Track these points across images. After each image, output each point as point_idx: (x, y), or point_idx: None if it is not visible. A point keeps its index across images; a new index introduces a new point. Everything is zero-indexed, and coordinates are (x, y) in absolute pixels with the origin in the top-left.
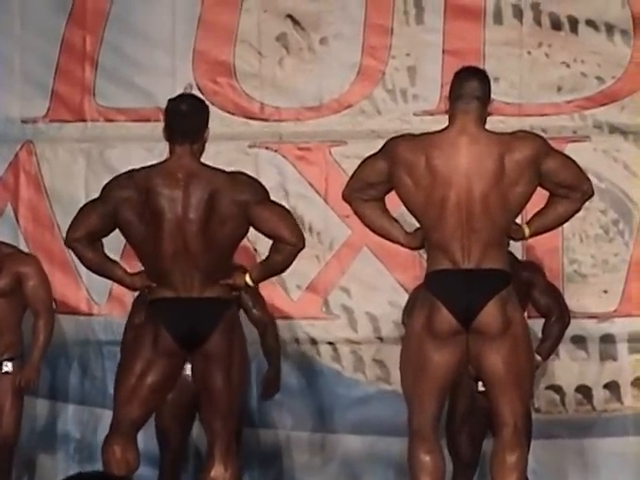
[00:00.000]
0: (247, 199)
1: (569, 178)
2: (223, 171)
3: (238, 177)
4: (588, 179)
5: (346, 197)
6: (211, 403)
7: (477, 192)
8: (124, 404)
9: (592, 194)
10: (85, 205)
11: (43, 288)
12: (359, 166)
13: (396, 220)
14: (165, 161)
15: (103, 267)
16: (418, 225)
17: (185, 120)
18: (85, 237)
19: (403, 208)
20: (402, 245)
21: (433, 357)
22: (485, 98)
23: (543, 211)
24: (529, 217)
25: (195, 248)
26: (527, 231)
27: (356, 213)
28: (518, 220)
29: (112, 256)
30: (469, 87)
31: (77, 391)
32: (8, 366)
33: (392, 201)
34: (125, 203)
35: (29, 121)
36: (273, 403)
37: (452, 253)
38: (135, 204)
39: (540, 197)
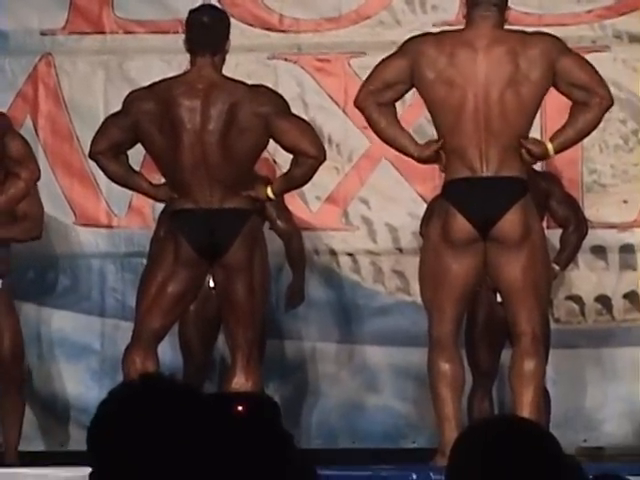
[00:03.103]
0: (268, 111)
1: (584, 78)
2: (244, 83)
3: (259, 89)
4: (605, 84)
5: (360, 102)
6: (232, 314)
7: (494, 96)
8: (145, 315)
9: (611, 102)
10: (107, 118)
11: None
12: (376, 67)
13: (406, 131)
14: (186, 72)
15: (127, 179)
16: (436, 137)
17: (206, 31)
18: (108, 149)
19: (421, 119)
20: (411, 156)
21: (451, 266)
22: (502, 5)
23: (564, 126)
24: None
25: (214, 159)
26: (550, 147)
27: (368, 120)
28: (539, 138)
29: (132, 165)
30: None
31: (97, 303)
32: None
33: (410, 114)
34: (145, 114)
35: (48, 33)
36: (292, 313)
37: (470, 160)
38: (155, 115)
39: (562, 114)
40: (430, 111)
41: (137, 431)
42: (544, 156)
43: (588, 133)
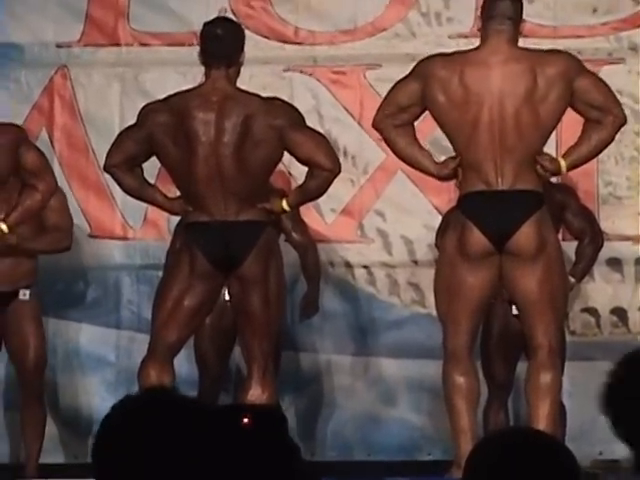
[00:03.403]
0: (282, 124)
1: (600, 98)
2: (258, 95)
3: (274, 102)
4: (619, 104)
5: (377, 124)
6: (248, 326)
7: (509, 111)
8: (161, 328)
9: (624, 121)
10: (122, 131)
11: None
12: (390, 91)
13: (425, 149)
14: (201, 85)
15: (142, 192)
16: (452, 150)
17: (221, 44)
18: (123, 163)
19: (437, 132)
20: (432, 175)
21: (467, 279)
22: (517, 18)
23: (577, 143)
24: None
25: (229, 172)
26: (563, 164)
27: (386, 141)
28: (553, 154)
29: (147, 178)
30: (502, 7)
31: (112, 315)
32: (26, 295)
33: (425, 126)
34: (160, 127)
35: (63, 45)
36: (307, 325)
37: (485, 174)
38: (170, 128)
39: (576, 128)
40: (444, 131)
41: (140, 444)
42: (557, 172)
43: (601, 150)
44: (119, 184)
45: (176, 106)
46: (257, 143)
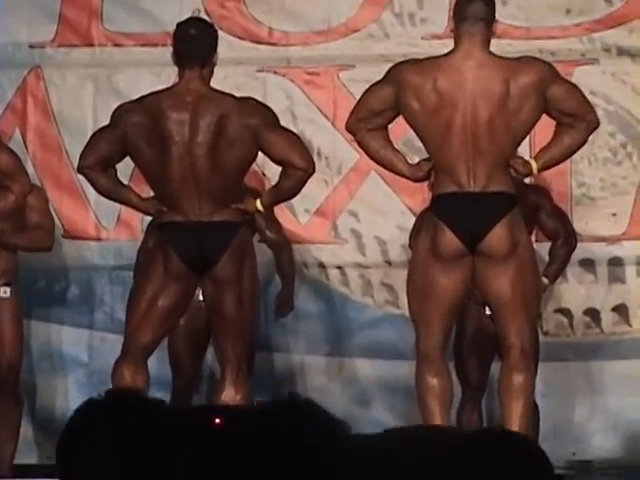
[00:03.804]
0: (256, 123)
1: (574, 106)
2: (232, 95)
3: (248, 102)
4: (593, 109)
5: (350, 127)
6: (221, 327)
7: (483, 115)
8: (135, 329)
9: (597, 125)
10: (95, 132)
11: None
12: (363, 95)
13: (399, 152)
14: (174, 85)
15: (116, 193)
16: (425, 150)
17: (194, 44)
18: (97, 163)
19: (410, 133)
20: (405, 177)
21: (439, 280)
22: (490, 19)
23: (549, 145)
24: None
25: (203, 171)
26: (534, 166)
27: (360, 144)
28: (526, 156)
29: (121, 178)
30: (474, 8)
31: (86, 316)
32: (7, 292)
33: (398, 127)
34: (134, 127)
35: (37, 46)
36: (281, 326)
37: (458, 176)
38: (144, 128)
39: (549, 129)
40: (417, 134)
41: (103, 447)
42: (529, 174)
43: (573, 153)
44: (93, 185)
45: (150, 106)
46: (231, 143)
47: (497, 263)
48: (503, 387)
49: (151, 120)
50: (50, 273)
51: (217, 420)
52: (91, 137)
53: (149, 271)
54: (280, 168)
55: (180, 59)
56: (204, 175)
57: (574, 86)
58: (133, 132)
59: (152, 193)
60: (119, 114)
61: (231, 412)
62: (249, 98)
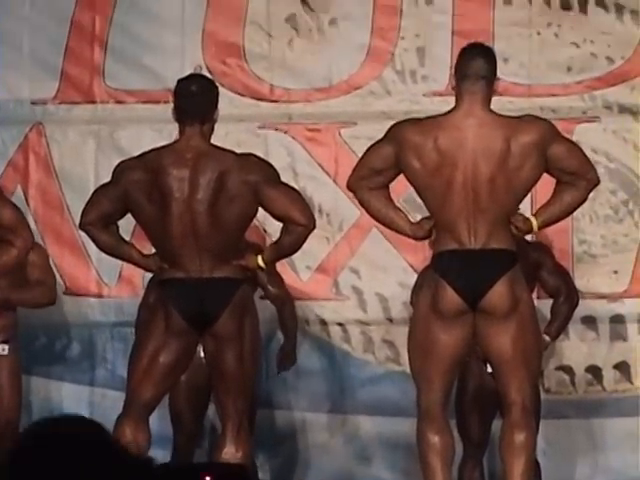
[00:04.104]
0: (257, 179)
1: (574, 165)
2: (233, 152)
3: (248, 158)
4: (593, 167)
5: (351, 186)
6: (222, 383)
7: (483, 173)
8: (137, 385)
9: (597, 182)
10: (97, 189)
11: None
12: (364, 154)
13: (400, 210)
14: (175, 142)
15: (118, 249)
16: (426, 208)
17: (194, 101)
18: (98, 220)
19: (411, 190)
20: (407, 235)
21: (440, 337)
22: (491, 76)
23: (550, 202)
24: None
25: (203, 228)
26: (535, 223)
27: (361, 202)
28: (527, 212)
29: (122, 234)
30: (475, 66)
31: (87, 372)
32: (5, 349)
33: (399, 184)
34: (135, 184)
35: (39, 102)
36: (282, 382)
37: (458, 233)
38: (144, 185)
39: (550, 186)
40: (418, 192)
41: None
42: (529, 232)
43: (573, 210)
44: (95, 242)
45: (150, 163)
46: (231, 199)
47: (498, 320)
48: (504, 445)
49: (152, 177)
50: (51, 330)
51: (207, 478)
52: (93, 194)
53: (150, 327)
54: (281, 224)
55: (180, 115)
56: (205, 232)
57: (575, 145)
58: (134, 189)
59: (153, 250)
60: (120, 171)
61: (222, 470)
62: (249, 154)
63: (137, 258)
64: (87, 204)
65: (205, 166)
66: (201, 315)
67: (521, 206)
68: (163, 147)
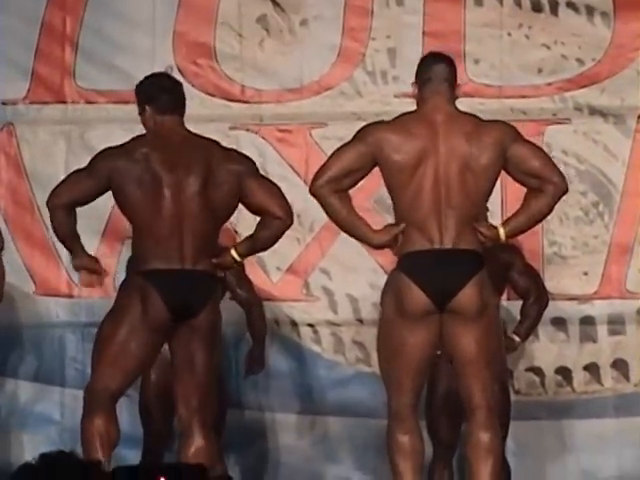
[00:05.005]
0: (240, 170)
1: (537, 166)
2: (217, 142)
3: (231, 150)
4: (560, 172)
5: (316, 188)
6: (192, 377)
7: (454, 168)
8: (106, 374)
9: (566, 189)
10: (73, 173)
11: None
12: (331, 156)
13: (363, 219)
14: (158, 131)
15: (71, 237)
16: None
17: (174, 93)
18: (67, 205)
19: (382, 191)
20: (368, 243)
21: (407, 338)
22: (453, 81)
23: (518, 211)
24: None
25: (195, 210)
26: (502, 232)
27: (323, 206)
28: (497, 215)
29: (93, 235)
30: (437, 70)
31: (57, 373)
32: None
33: (370, 184)
34: (121, 171)
35: (9, 103)
36: (252, 383)
37: (429, 231)
38: (132, 172)
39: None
40: (391, 191)
41: None
42: (496, 240)
43: (541, 219)
44: (54, 223)
45: (134, 150)
46: (219, 185)
47: (465, 322)
48: (470, 447)
49: (139, 164)
50: (22, 331)
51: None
52: (68, 176)
53: (122, 316)
54: (252, 226)
55: (159, 107)
56: (195, 214)
57: (537, 147)
58: (120, 176)
59: (125, 248)
60: (101, 158)
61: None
62: (231, 148)
63: (80, 252)
64: (61, 185)
65: (193, 150)
66: (185, 306)
67: (491, 209)
68: (143, 136)
